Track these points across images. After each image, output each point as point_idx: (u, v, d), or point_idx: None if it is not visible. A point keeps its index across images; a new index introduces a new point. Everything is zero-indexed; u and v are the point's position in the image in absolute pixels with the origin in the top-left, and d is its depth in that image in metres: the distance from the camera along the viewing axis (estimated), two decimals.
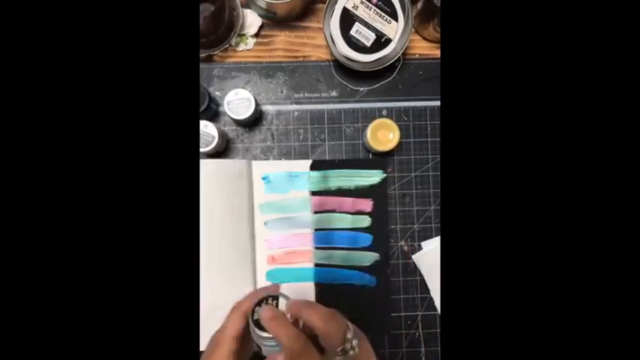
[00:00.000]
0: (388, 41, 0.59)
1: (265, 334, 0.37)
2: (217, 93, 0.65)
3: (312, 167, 0.64)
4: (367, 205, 0.64)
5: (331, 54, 0.64)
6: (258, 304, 0.40)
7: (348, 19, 0.59)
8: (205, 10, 0.60)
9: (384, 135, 0.62)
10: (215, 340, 0.41)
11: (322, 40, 0.65)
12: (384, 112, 0.66)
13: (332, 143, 0.65)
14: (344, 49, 0.59)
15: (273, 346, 0.38)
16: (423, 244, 0.64)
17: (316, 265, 0.63)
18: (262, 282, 0.62)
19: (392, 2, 0.59)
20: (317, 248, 0.63)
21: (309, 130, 0.65)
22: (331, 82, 0.66)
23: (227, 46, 0.63)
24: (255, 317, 0.38)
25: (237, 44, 0.65)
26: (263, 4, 0.61)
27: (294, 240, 0.63)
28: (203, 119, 0.59)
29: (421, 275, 0.63)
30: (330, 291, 0.62)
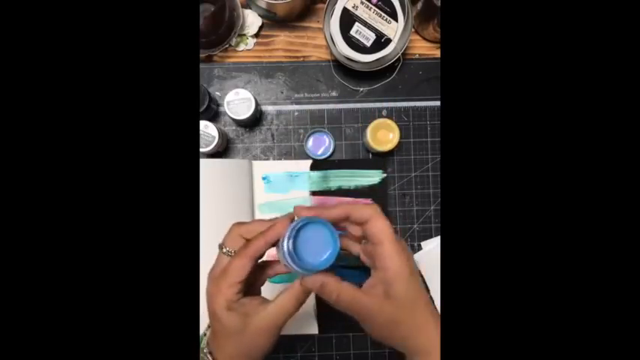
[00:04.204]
0: (388, 41, 0.60)
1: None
2: (217, 93, 0.65)
3: (312, 167, 0.64)
4: None
5: (331, 54, 0.64)
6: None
7: (348, 19, 0.59)
8: (206, 10, 0.60)
9: (384, 135, 0.62)
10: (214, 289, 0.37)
11: (322, 40, 0.65)
12: (384, 112, 0.66)
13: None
14: (344, 49, 0.60)
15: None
16: (423, 244, 0.64)
17: None
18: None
19: (392, 2, 0.59)
20: None
21: (309, 130, 0.65)
22: (331, 82, 0.66)
23: (227, 46, 0.63)
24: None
25: (238, 44, 0.65)
26: (263, 5, 0.61)
27: None
28: (203, 119, 0.59)
29: (421, 275, 0.63)
30: None
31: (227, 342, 0.36)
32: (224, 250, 0.39)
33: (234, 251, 0.38)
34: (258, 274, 0.41)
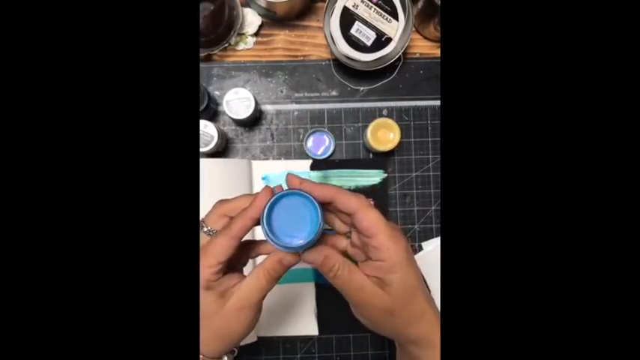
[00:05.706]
0: (389, 40, 0.59)
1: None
2: (217, 92, 0.65)
3: (312, 167, 0.64)
4: None
5: (331, 53, 0.63)
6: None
7: (348, 18, 0.59)
8: (205, 9, 0.59)
9: (384, 135, 0.61)
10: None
11: (322, 39, 0.64)
12: (385, 112, 0.65)
13: None
14: (344, 48, 0.59)
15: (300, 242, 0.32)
16: (423, 244, 0.64)
17: None
18: None
19: (392, 1, 0.59)
20: None
21: (309, 130, 0.64)
22: (331, 81, 0.65)
23: (226, 45, 0.63)
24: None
25: (237, 43, 0.65)
26: (263, 3, 0.61)
27: None
28: (202, 119, 0.59)
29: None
30: (330, 291, 0.62)
31: (200, 326, 0.34)
32: (205, 229, 0.37)
33: (216, 230, 0.37)
34: (240, 253, 0.39)
